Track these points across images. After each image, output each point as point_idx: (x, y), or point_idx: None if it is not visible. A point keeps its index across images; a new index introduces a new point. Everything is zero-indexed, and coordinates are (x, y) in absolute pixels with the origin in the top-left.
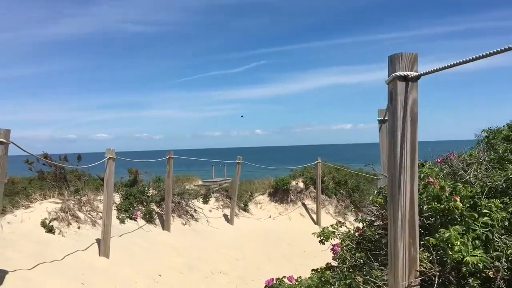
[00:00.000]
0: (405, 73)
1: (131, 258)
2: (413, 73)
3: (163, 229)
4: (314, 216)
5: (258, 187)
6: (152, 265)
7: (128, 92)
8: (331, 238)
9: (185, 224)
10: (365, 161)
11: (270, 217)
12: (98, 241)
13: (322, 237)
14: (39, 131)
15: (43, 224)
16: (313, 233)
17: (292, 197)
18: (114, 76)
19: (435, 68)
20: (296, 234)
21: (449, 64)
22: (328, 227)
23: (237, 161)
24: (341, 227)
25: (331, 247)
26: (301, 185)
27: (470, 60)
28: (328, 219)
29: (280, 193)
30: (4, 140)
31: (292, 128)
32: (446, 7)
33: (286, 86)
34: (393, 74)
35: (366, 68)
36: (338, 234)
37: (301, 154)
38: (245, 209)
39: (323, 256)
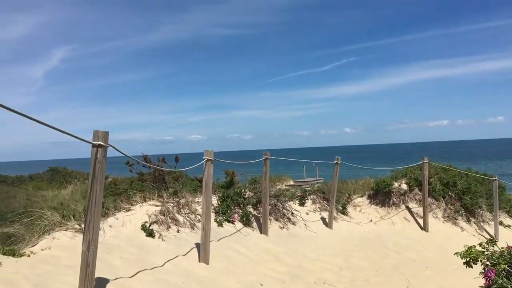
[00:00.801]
0: None
1: (230, 265)
2: None
3: (261, 233)
4: (420, 221)
5: (356, 188)
6: (252, 273)
7: (221, 94)
8: (480, 260)
9: (283, 227)
10: (467, 159)
11: (371, 221)
12: (197, 246)
13: (468, 258)
14: (140, 133)
15: (144, 227)
16: (456, 253)
17: (395, 199)
18: (207, 79)
19: None
20: (402, 241)
21: None
22: (475, 246)
23: (335, 161)
24: (493, 246)
25: (483, 271)
26: (404, 187)
27: None
28: (436, 224)
29: (381, 196)
30: (103, 143)
31: (383, 126)
32: None
33: (376, 82)
34: None
35: (462, 60)
36: (487, 254)
37: (394, 152)
38: (344, 212)
39: (436, 266)
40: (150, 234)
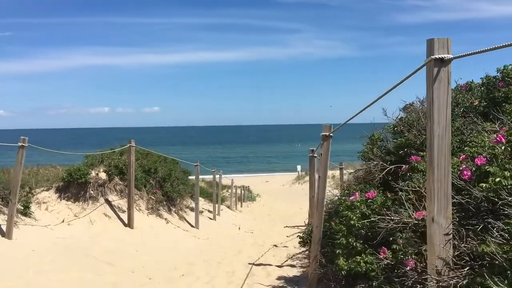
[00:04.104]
0: None
1: None
2: None
3: None
4: (123, 216)
5: (39, 179)
6: None
7: None
8: None
9: None
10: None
11: (63, 221)
12: None
13: None
14: None
15: None
16: None
17: (92, 192)
18: None
19: None
20: (109, 244)
21: None
22: None
23: (20, 143)
24: None
25: None
26: (103, 176)
27: None
28: (141, 218)
29: (75, 188)
30: None
31: (45, 110)
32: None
33: (38, 63)
34: None
35: (126, 50)
36: None
37: (61, 137)
38: (26, 213)
39: (160, 275)
40: None
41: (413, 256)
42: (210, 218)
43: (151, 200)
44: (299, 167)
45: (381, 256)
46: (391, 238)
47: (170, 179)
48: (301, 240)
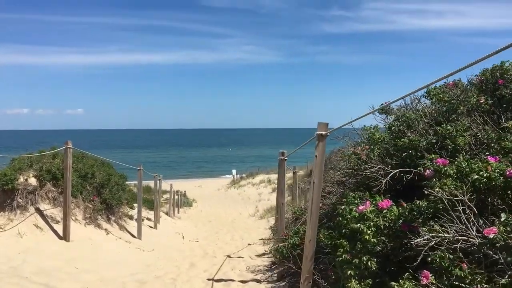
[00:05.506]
0: None
1: None
2: None
3: None
4: (57, 227)
5: None
6: None
7: None
8: None
9: None
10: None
11: None
12: None
13: None
14: None
15: None
16: None
17: (20, 200)
18: None
19: None
20: (44, 263)
21: None
22: None
23: None
24: None
25: None
26: (33, 181)
27: None
28: (78, 230)
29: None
30: None
31: None
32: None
33: None
34: None
35: (47, 49)
36: None
37: None
38: None
39: None
40: None
41: (484, 285)
42: (151, 227)
43: (88, 209)
44: (234, 171)
45: (424, 282)
46: (429, 259)
47: (109, 184)
48: (281, 254)
